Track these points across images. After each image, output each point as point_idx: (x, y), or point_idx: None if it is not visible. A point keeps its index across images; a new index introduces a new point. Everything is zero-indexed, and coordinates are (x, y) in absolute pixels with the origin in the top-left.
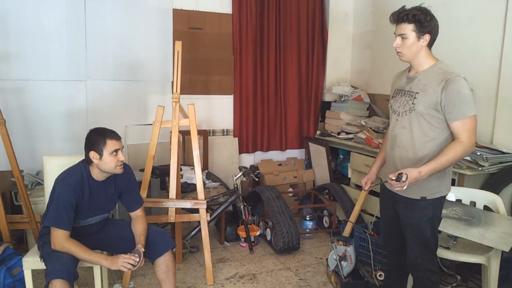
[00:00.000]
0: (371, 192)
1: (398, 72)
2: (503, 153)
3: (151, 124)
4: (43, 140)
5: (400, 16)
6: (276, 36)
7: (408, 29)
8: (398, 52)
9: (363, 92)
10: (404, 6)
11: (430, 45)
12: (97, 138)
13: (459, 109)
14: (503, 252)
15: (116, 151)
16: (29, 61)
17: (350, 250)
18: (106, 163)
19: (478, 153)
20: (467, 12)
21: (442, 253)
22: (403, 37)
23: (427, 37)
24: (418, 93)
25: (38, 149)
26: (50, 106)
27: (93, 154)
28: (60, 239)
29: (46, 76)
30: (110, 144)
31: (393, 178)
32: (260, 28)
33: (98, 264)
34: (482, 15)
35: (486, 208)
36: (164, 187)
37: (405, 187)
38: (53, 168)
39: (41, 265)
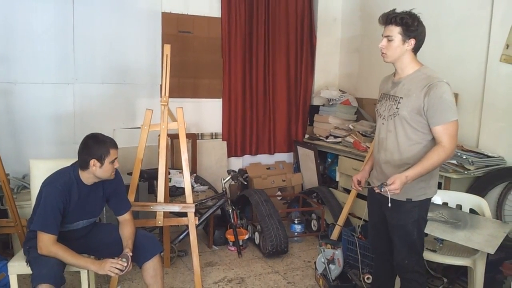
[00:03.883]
0: (359, 196)
1: (385, 76)
2: (489, 156)
3: (139, 128)
4: (29, 143)
5: (389, 18)
6: (265, 40)
7: (395, 31)
8: (383, 53)
9: (351, 96)
10: (395, 9)
11: (415, 50)
12: (99, 147)
13: (441, 114)
14: (488, 254)
15: (115, 159)
16: (16, 64)
17: (338, 253)
18: (105, 171)
19: (464, 157)
20: (453, 18)
21: (429, 256)
22: (389, 39)
23: (412, 41)
24: (402, 98)
25: (24, 152)
26: (37, 109)
27: (94, 162)
28: (47, 243)
29: (33, 79)
30: (113, 154)
31: (386, 184)
32: (249, 32)
33: (85, 268)
34: (468, 21)
35: (472, 211)
36: (152, 190)
37: (398, 191)
38: (40, 172)
39: (27, 270)
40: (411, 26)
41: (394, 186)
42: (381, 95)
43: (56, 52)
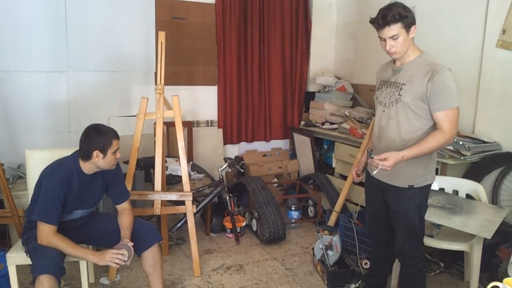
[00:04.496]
0: (356, 182)
1: (383, 63)
2: (485, 142)
3: (135, 116)
4: (24, 132)
5: (387, 20)
6: (260, 27)
7: (398, 28)
8: (392, 53)
9: (346, 83)
10: (381, 8)
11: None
12: (102, 138)
13: (443, 100)
14: (485, 239)
15: (117, 150)
16: (8, 52)
17: (336, 239)
18: (108, 162)
19: (461, 143)
20: (450, 3)
21: (426, 241)
22: (394, 38)
23: (413, 28)
24: (404, 84)
25: (19, 141)
26: (30, 98)
27: (97, 154)
28: (47, 233)
29: (26, 67)
30: (115, 144)
31: (376, 158)
32: (243, 18)
33: (85, 259)
34: (464, 7)
35: (468, 196)
36: (149, 179)
37: (390, 169)
38: (36, 162)
39: (26, 261)
40: (408, 15)
41: (387, 163)
42: (380, 82)
43: (49, 40)
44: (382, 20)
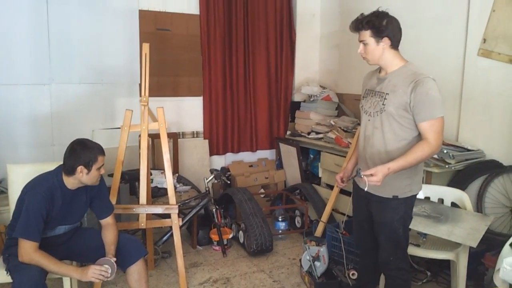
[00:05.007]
0: (342, 191)
1: (369, 72)
2: (468, 150)
3: (119, 128)
4: (5, 146)
5: (357, 25)
6: (245, 37)
7: (367, 35)
8: (364, 58)
9: (331, 92)
10: (362, 13)
11: (394, 46)
12: (87, 153)
13: (427, 110)
14: (470, 247)
15: (102, 166)
16: None
17: (323, 250)
18: (91, 178)
19: (445, 151)
20: (431, 13)
21: (412, 250)
22: (363, 43)
23: (386, 40)
24: (388, 94)
25: (0, 156)
26: (12, 111)
27: (81, 169)
28: (29, 250)
29: (7, 80)
30: (100, 161)
31: (363, 175)
32: (228, 29)
33: (68, 276)
34: (445, 16)
35: (453, 204)
36: (134, 192)
37: (379, 184)
38: (18, 177)
39: (7, 279)
40: (380, 26)
41: (375, 178)
42: (365, 91)
43: (31, 52)
44: (353, 24)
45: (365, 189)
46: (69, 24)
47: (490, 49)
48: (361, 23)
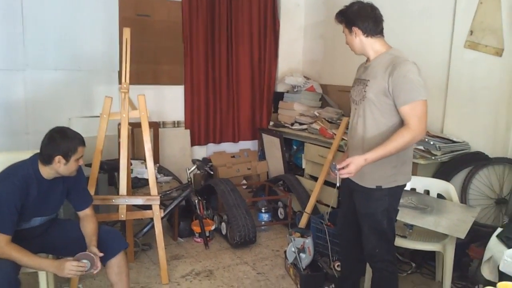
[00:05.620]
0: (326, 183)
1: (362, 63)
2: (454, 142)
3: (97, 116)
4: None
5: (335, 19)
6: (228, 26)
7: (343, 27)
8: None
9: (315, 83)
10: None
11: (369, 34)
12: (67, 143)
13: (406, 93)
14: (457, 238)
15: (81, 157)
16: None
17: (309, 241)
18: (69, 168)
19: (431, 143)
20: (418, 5)
21: (399, 242)
22: (345, 34)
23: (355, 29)
24: (369, 80)
25: None
26: None
27: (59, 159)
28: (0, 244)
29: None
30: (80, 152)
31: (338, 168)
32: (211, 17)
33: (42, 269)
34: (432, 8)
35: (439, 196)
36: (113, 182)
37: (352, 175)
38: None
39: None
40: (348, 16)
41: (347, 170)
42: (354, 80)
43: (3, 36)
44: (335, 19)
45: (337, 185)
46: (44, 7)
47: (477, 41)
48: (336, 16)
